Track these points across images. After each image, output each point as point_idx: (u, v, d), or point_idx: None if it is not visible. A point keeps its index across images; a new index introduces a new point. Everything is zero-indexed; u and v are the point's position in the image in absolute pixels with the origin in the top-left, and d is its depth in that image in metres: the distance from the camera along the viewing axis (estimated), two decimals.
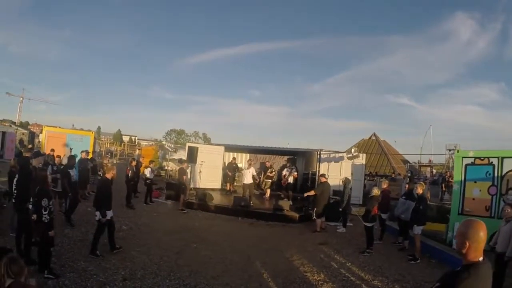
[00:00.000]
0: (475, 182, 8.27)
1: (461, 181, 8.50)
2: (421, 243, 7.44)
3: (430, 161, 19.99)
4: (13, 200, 5.54)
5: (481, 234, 1.90)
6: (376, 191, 7.82)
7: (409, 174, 19.45)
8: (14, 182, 5.56)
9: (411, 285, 5.56)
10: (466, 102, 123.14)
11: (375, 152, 19.90)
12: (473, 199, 8.24)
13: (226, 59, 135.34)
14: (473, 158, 8.35)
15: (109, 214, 6.00)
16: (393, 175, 16.84)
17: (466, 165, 8.44)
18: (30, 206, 5.03)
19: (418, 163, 22.44)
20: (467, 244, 1.89)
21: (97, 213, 5.79)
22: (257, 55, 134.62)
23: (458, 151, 8.65)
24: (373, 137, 22.09)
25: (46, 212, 4.69)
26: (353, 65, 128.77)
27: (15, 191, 5.43)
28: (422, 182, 9.58)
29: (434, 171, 20.75)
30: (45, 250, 4.73)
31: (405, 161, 22.37)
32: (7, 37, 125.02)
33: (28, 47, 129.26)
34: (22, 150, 15.68)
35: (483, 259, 1.90)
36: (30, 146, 20.00)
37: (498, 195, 7.76)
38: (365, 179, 14.51)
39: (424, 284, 5.57)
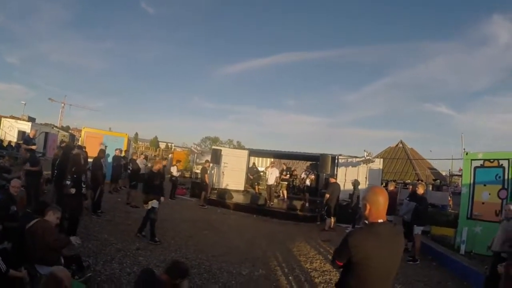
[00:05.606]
0: (485, 185, 8.06)
1: (469, 184, 8.31)
2: (425, 245, 7.38)
3: (460, 170, 19.26)
4: (53, 179, 6.64)
5: (380, 198, 2.06)
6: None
7: (437, 182, 18.99)
8: (56, 164, 6.68)
9: (399, 282, 5.42)
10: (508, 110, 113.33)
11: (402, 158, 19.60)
12: (483, 203, 8.01)
13: (258, 69, 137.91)
14: (482, 161, 8.18)
15: (155, 204, 6.50)
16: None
17: (475, 167, 8.26)
18: (67, 183, 5.87)
19: (449, 172, 21.72)
20: (368, 206, 2.07)
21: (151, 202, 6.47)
22: (291, 64, 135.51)
23: (466, 154, 8.59)
24: (400, 145, 21.69)
25: (84, 186, 5.84)
26: (388, 73, 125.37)
27: (56, 171, 6.54)
28: (423, 183, 9.61)
29: None
30: (74, 218, 5.69)
31: (436, 172, 21.62)
32: (53, 47, 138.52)
33: (71, 56, 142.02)
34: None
35: (384, 221, 2.07)
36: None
37: (508, 199, 7.44)
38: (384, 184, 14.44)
39: (415, 282, 5.58)
